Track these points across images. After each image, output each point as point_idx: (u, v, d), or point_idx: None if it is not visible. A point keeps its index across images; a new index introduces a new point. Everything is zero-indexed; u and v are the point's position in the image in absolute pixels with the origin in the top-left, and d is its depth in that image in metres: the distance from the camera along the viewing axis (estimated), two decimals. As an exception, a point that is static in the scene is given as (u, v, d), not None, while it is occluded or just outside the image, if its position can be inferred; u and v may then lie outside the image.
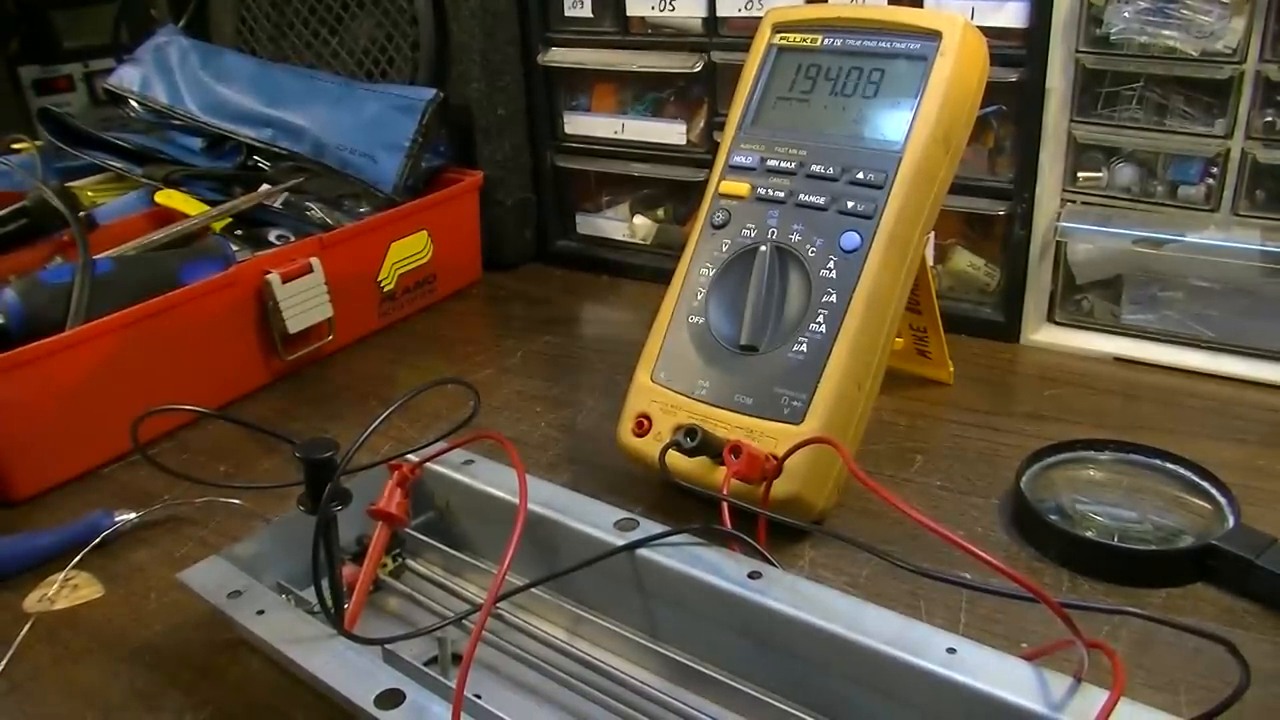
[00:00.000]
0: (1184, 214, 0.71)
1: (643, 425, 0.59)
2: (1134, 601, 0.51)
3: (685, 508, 0.59)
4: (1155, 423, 0.66)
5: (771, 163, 0.61)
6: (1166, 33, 0.67)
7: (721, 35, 0.86)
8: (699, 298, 0.60)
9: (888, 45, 0.59)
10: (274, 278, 0.75)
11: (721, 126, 0.74)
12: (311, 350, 0.81)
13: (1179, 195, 0.71)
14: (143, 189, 0.89)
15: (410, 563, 0.54)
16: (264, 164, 0.92)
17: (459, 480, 0.54)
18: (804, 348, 0.56)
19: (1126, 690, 0.36)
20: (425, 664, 0.45)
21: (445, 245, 0.92)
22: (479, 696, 0.43)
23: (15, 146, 0.93)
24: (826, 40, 0.61)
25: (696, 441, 0.53)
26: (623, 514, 0.49)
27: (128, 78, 0.98)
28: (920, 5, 0.75)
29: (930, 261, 0.79)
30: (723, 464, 0.53)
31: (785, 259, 0.58)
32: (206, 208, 0.83)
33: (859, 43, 0.60)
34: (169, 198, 0.85)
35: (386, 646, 0.45)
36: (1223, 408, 0.68)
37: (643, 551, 0.47)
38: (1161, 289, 0.75)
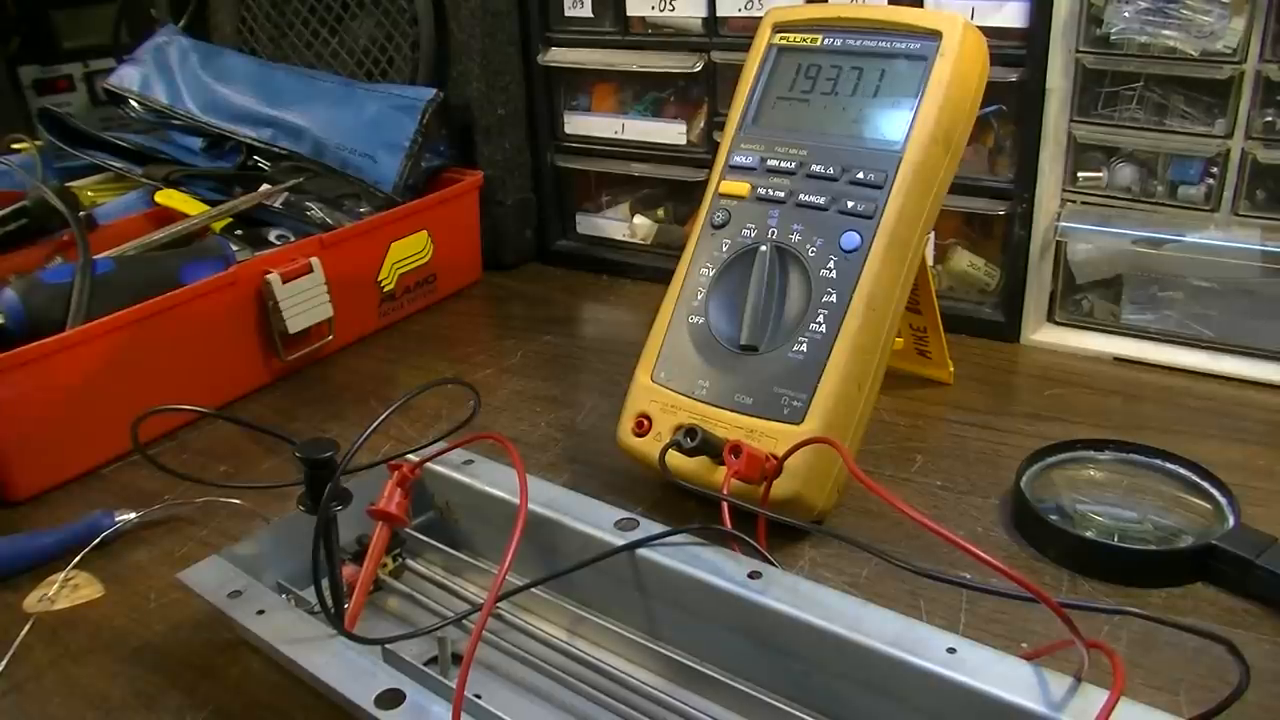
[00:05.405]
0: (1184, 214, 0.71)
1: (643, 425, 0.59)
2: (1134, 601, 0.51)
3: (685, 508, 0.59)
4: (1155, 423, 0.66)
5: (771, 162, 0.61)
6: (1166, 33, 0.67)
7: (721, 35, 0.86)
8: (699, 298, 0.60)
9: (888, 45, 0.59)
10: (274, 278, 0.75)
11: (721, 126, 0.74)
12: (311, 350, 0.81)
13: (1179, 195, 0.71)
14: (143, 189, 0.89)
15: (410, 563, 0.54)
16: (264, 164, 0.92)
17: (459, 480, 0.54)
18: (804, 348, 0.56)
19: (1127, 690, 0.36)
20: (425, 664, 0.45)
21: (445, 245, 0.92)
22: (479, 696, 0.43)
23: (15, 146, 0.93)
24: (826, 40, 0.61)
25: (696, 441, 0.53)
26: (623, 514, 0.49)
27: (128, 78, 0.98)
28: (920, 5, 0.75)
29: (930, 261, 0.79)
30: (723, 464, 0.53)
31: (785, 259, 0.58)
32: (206, 208, 0.83)
33: (859, 43, 0.60)
34: (169, 198, 0.85)
35: (386, 646, 0.45)
36: (1223, 408, 0.68)
37: (643, 551, 0.47)
38: (1161, 289, 0.75)
